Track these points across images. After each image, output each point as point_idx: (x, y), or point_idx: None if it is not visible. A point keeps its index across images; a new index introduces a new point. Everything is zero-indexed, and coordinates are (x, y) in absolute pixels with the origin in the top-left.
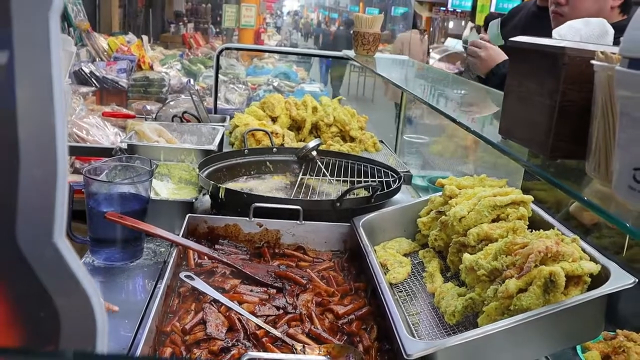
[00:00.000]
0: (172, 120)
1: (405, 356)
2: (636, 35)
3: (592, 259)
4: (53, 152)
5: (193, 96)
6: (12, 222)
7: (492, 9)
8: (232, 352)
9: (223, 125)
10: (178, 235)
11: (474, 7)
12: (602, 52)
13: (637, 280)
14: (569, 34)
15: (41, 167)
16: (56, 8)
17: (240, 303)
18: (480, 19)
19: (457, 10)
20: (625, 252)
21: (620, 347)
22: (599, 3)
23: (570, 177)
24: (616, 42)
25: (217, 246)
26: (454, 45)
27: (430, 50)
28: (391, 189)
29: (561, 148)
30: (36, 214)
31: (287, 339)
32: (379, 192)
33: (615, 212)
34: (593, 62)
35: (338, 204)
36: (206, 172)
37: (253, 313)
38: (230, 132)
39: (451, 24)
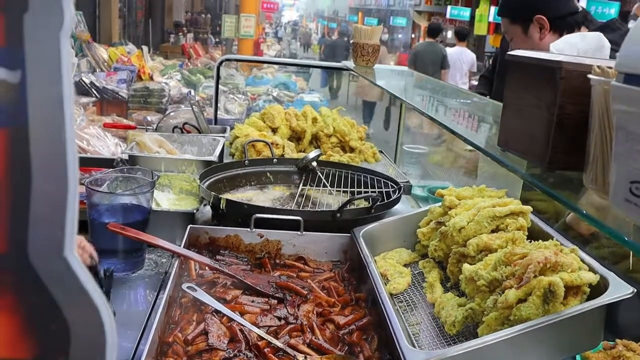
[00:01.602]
0: (173, 131)
1: None
2: (632, 50)
3: (591, 269)
4: (64, 169)
5: (193, 107)
6: (24, 237)
7: (490, 19)
8: None
9: (223, 136)
10: (179, 246)
11: (472, 16)
12: (598, 67)
13: (635, 290)
14: (567, 48)
15: (52, 183)
16: (66, 29)
17: (241, 314)
18: (478, 29)
19: (456, 19)
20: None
21: (620, 356)
22: (528, 44)
23: (568, 189)
24: (611, 55)
25: (218, 257)
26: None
27: None
28: (391, 199)
29: (559, 160)
30: (47, 229)
31: (289, 350)
32: (379, 203)
33: (614, 225)
34: (590, 76)
35: (338, 215)
36: (207, 183)
37: (255, 324)
38: (231, 143)
39: (449, 34)
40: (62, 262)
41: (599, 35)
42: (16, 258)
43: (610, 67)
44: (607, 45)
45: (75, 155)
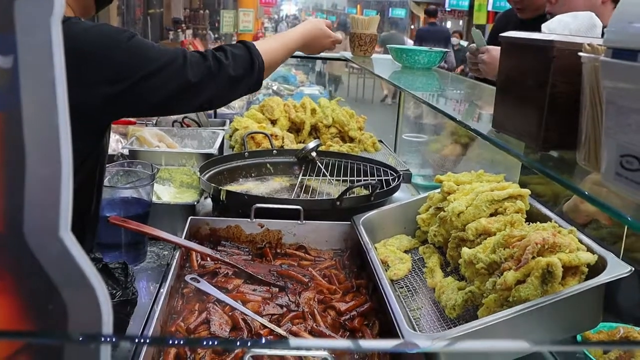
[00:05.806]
0: (173, 126)
1: (407, 350)
2: (619, 26)
3: (589, 250)
4: (57, 151)
5: None
6: (20, 219)
7: (489, 8)
8: (236, 351)
9: (223, 129)
10: (181, 237)
11: (471, 6)
12: (589, 44)
13: (633, 269)
14: (558, 28)
15: (46, 165)
16: (57, 14)
17: (243, 302)
18: (477, 18)
19: (455, 9)
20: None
21: (625, 337)
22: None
23: (563, 168)
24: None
25: (219, 247)
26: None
27: None
28: (390, 187)
29: (552, 139)
30: (42, 210)
31: (291, 337)
32: (378, 191)
33: (614, 203)
34: (581, 54)
35: (338, 203)
36: (207, 175)
37: (257, 312)
38: (230, 136)
39: (449, 24)
40: (57, 242)
41: (590, 15)
42: (12, 238)
43: (600, 45)
44: (599, 24)
45: (68, 138)
